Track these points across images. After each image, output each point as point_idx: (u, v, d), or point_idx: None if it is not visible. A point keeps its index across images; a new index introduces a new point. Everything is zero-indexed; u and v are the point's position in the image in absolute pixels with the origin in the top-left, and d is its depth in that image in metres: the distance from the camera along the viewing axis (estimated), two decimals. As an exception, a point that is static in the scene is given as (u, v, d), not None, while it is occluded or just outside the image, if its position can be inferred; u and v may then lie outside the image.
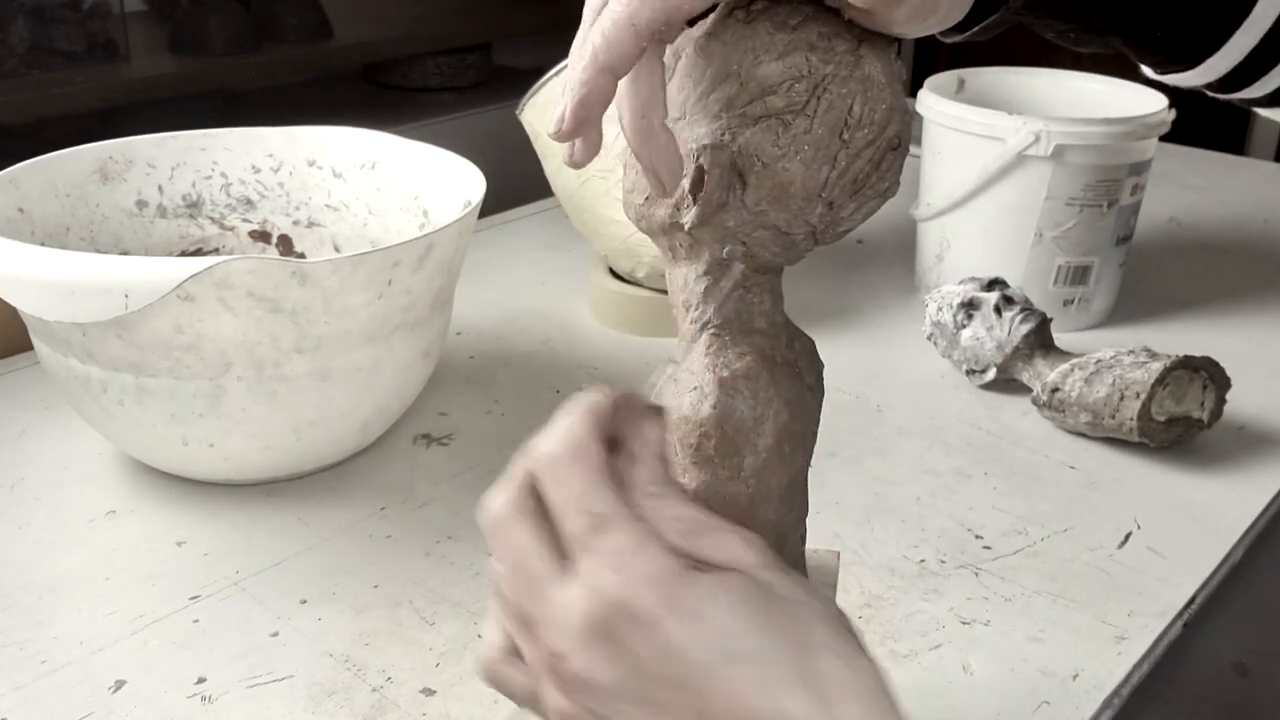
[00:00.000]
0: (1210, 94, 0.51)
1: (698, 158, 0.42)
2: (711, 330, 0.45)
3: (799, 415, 0.45)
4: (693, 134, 0.43)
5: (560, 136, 0.41)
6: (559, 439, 0.38)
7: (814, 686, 0.35)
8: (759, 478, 0.45)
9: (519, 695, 0.40)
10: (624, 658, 0.35)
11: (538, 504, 0.38)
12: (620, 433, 0.40)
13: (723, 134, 0.42)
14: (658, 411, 0.41)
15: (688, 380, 0.44)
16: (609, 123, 0.42)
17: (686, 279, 0.45)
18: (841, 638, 0.37)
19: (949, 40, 0.45)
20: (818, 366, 0.48)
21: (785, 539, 0.48)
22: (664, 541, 0.36)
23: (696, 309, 0.45)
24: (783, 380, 0.45)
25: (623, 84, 0.41)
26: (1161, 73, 0.50)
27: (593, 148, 0.43)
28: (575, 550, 0.36)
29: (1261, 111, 0.52)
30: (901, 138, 0.43)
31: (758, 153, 0.42)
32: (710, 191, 0.42)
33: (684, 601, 0.35)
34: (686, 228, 0.44)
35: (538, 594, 0.37)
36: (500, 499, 0.38)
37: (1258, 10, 0.46)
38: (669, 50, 0.46)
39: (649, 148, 0.42)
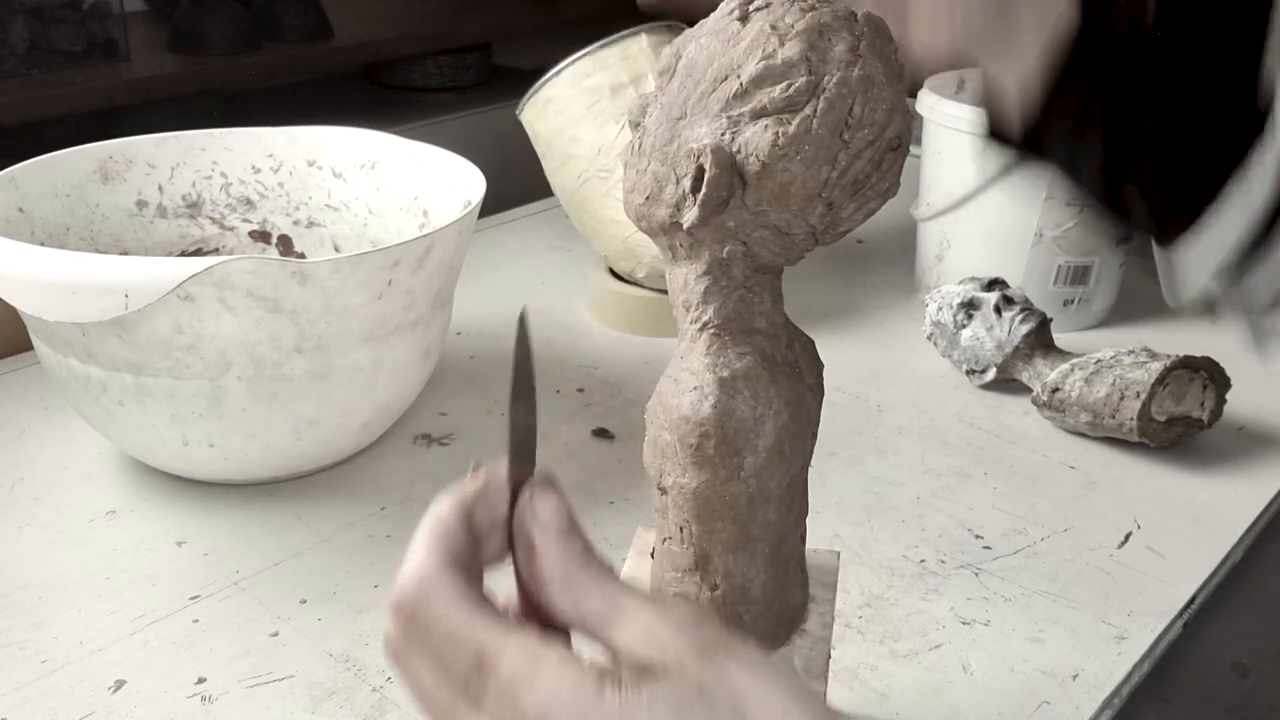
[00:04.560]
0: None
1: (698, 157, 0.42)
2: (712, 330, 0.45)
3: (799, 415, 0.45)
4: (693, 133, 0.43)
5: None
6: (406, 578, 0.34)
7: None
8: (759, 478, 0.45)
9: None
10: None
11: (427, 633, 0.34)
12: (516, 522, 0.35)
13: (723, 133, 0.42)
14: (545, 480, 0.36)
15: (688, 380, 0.44)
16: (612, 123, 0.42)
17: (686, 279, 0.45)
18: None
19: None
20: (818, 367, 0.48)
21: (785, 539, 0.48)
22: (562, 654, 0.32)
23: (696, 309, 0.45)
24: (783, 380, 0.45)
25: None
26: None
27: None
28: (474, 689, 0.33)
29: None
30: (902, 138, 0.43)
31: (758, 152, 0.42)
32: (710, 191, 0.42)
33: None
34: (686, 227, 0.44)
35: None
36: (390, 635, 0.34)
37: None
38: (670, 49, 0.46)
39: None
